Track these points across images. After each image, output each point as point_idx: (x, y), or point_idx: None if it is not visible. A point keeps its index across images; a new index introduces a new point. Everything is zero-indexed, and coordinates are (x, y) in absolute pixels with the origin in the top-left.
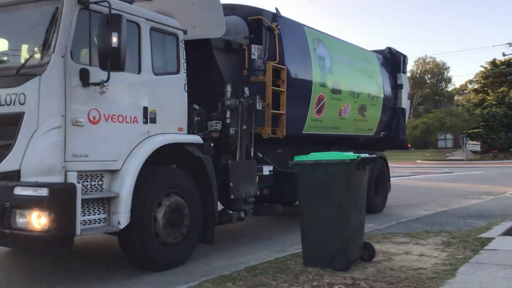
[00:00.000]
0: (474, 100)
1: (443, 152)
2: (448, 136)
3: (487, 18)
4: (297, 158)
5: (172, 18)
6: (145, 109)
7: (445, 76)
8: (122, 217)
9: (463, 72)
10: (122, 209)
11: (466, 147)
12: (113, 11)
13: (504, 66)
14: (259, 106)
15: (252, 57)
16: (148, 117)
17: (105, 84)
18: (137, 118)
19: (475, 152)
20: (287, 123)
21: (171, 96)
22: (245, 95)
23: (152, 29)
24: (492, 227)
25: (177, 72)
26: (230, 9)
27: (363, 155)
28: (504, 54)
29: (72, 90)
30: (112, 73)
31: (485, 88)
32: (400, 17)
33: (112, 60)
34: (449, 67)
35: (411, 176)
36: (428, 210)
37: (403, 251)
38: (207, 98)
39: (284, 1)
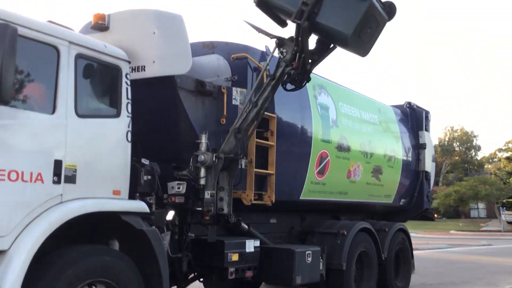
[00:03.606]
0: (506, 168)
1: (477, 222)
2: (481, 205)
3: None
4: None
5: (117, 47)
6: (58, 163)
7: (474, 143)
8: None
9: (492, 140)
10: None
11: (502, 217)
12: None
13: None
14: (240, 163)
15: (233, 103)
16: (63, 174)
17: None
18: (43, 175)
19: (511, 222)
20: (278, 186)
21: (104, 146)
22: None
23: (80, 56)
24: None
25: (117, 115)
26: (210, 47)
27: None
28: None
29: None
30: (2, 111)
31: None
32: (424, 81)
33: None
34: (477, 135)
35: (447, 249)
36: None
37: None
38: (171, 151)
39: None
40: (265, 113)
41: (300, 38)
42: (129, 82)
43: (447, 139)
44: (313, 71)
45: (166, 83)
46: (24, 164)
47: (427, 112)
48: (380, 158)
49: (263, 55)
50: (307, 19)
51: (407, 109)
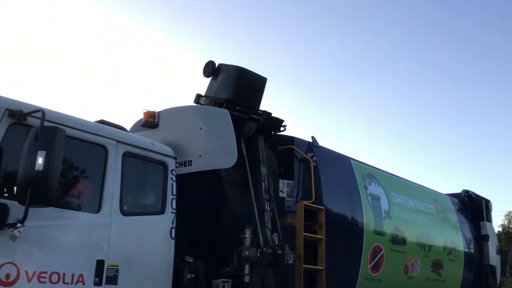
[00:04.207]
0: None
1: None
2: None
3: None
4: None
5: (163, 144)
6: (100, 263)
7: None
8: None
9: None
10: None
11: None
12: (49, 124)
13: None
14: (288, 259)
15: (279, 195)
16: (105, 275)
17: (18, 225)
18: (84, 277)
19: None
20: (329, 283)
21: (147, 244)
22: (272, 243)
23: (127, 154)
24: None
25: (162, 212)
26: None
27: None
28: None
29: None
30: (47, 211)
31: None
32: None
33: (34, 190)
34: None
35: None
36: None
37: None
38: (216, 245)
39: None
40: (313, 205)
41: (238, 108)
42: (174, 178)
43: (511, 225)
44: (361, 161)
45: (212, 176)
46: (66, 265)
47: (487, 201)
48: (439, 251)
49: (310, 146)
50: (226, 98)
51: (465, 197)
